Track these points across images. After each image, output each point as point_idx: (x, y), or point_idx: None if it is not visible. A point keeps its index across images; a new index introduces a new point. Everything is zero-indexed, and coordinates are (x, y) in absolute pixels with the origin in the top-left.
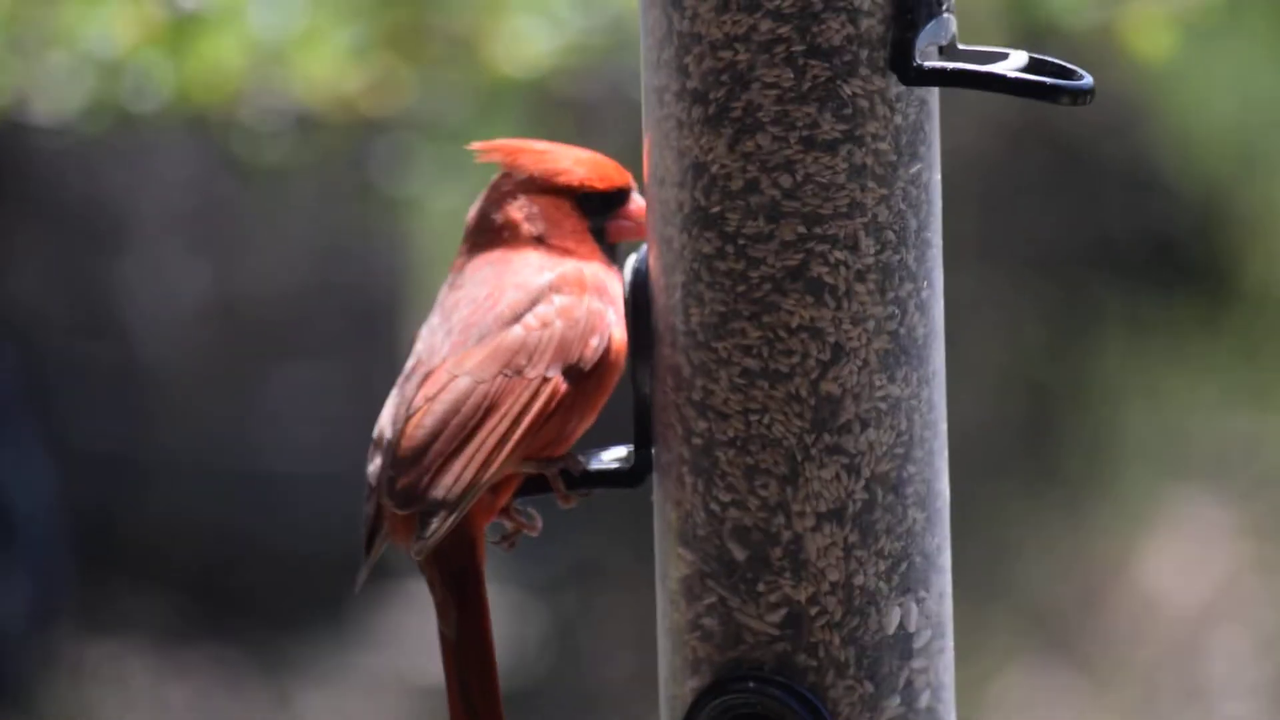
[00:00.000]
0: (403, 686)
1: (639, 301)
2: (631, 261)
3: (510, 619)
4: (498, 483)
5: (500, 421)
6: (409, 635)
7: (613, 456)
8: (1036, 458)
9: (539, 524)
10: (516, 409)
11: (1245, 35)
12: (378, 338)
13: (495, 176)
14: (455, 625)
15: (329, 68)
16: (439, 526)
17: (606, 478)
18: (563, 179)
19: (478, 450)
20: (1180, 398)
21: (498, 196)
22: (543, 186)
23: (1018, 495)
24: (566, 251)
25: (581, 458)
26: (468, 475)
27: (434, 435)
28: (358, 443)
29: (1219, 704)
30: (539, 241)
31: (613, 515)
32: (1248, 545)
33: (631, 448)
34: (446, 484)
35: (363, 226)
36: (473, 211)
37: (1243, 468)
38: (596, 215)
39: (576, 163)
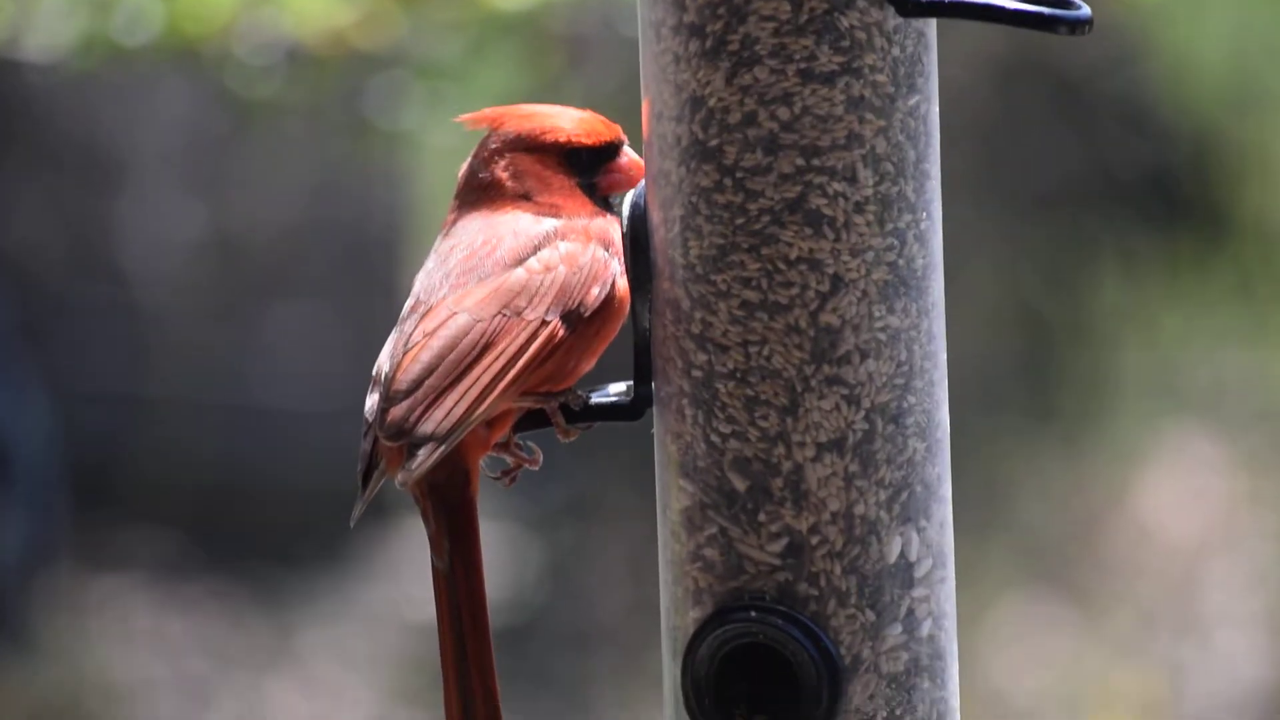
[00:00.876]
0: (402, 621)
1: (638, 236)
2: (630, 196)
3: (508, 554)
4: (494, 417)
5: (495, 360)
6: (409, 570)
7: (613, 391)
8: (1033, 392)
9: (539, 458)
10: (513, 349)
11: None
12: (374, 273)
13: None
14: (448, 557)
15: (320, 2)
16: (425, 459)
17: (606, 411)
18: (548, 136)
19: (471, 387)
20: (1176, 332)
21: (485, 156)
22: (529, 145)
23: (1015, 429)
24: (554, 208)
25: (581, 392)
26: (459, 411)
27: (429, 370)
28: (355, 378)
29: (1213, 635)
30: (525, 199)
31: (610, 450)
32: (1243, 479)
33: (631, 382)
34: (437, 418)
35: (358, 163)
36: (462, 171)
37: (1238, 402)
38: (586, 171)
39: (563, 120)
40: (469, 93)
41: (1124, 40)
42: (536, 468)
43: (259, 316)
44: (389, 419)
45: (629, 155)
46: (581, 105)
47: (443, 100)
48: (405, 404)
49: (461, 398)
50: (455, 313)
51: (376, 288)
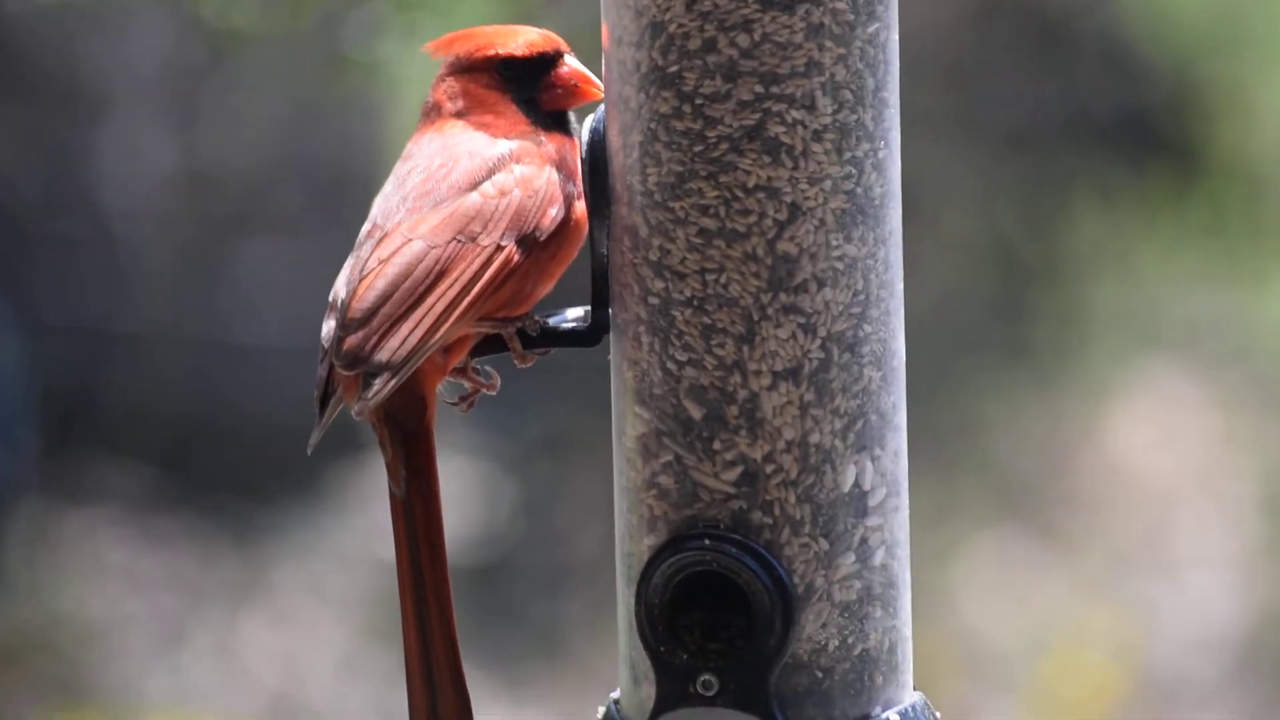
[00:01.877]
0: (375, 557)
1: (596, 162)
2: (589, 122)
3: (480, 491)
4: (450, 343)
5: (450, 287)
6: (382, 506)
7: (570, 317)
8: (1008, 329)
9: (497, 382)
10: (468, 275)
11: None
12: (350, 207)
13: None
14: (405, 485)
15: None
16: (380, 388)
17: (563, 337)
18: (481, 53)
19: (425, 314)
20: (1151, 270)
21: (434, 83)
22: (465, 65)
23: (988, 367)
24: (484, 126)
25: (538, 318)
26: (414, 339)
27: (384, 297)
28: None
29: (1185, 575)
30: (458, 117)
31: (583, 387)
32: (1216, 418)
33: (589, 308)
34: (392, 346)
35: (335, 96)
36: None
37: (1213, 340)
38: (523, 86)
39: (498, 35)
40: (447, 25)
41: None
42: (494, 392)
43: (235, 250)
44: (344, 347)
45: (569, 65)
46: (551, 30)
47: (420, 32)
48: (360, 332)
49: (416, 325)
50: (410, 239)
51: (353, 221)
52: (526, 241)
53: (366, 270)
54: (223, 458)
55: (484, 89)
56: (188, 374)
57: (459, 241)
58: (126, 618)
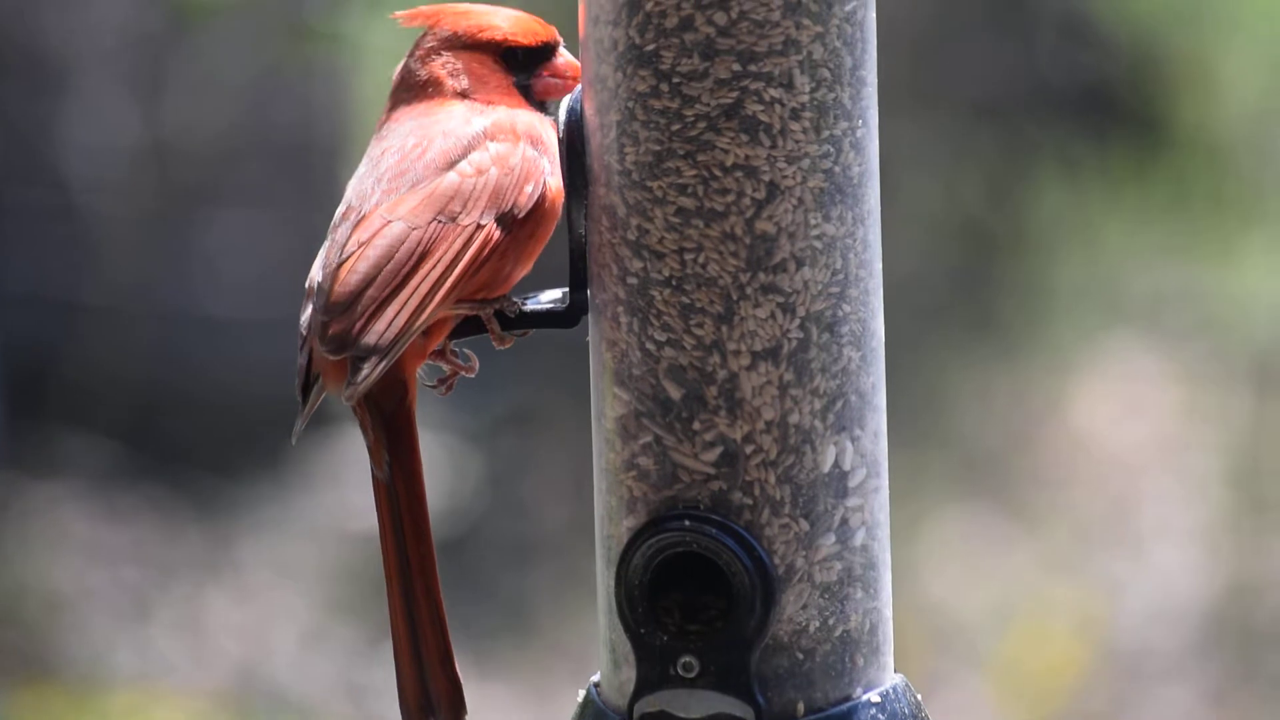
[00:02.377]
0: (342, 531)
1: (574, 142)
2: (566, 101)
3: (447, 466)
4: (430, 326)
5: (434, 268)
6: (349, 480)
7: (548, 298)
8: (972, 303)
9: (475, 365)
10: (450, 255)
11: None
12: (314, 178)
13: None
14: (387, 468)
15: None
16: (369, 372)
17: (542, 318)
18: (486, 34)
19: (411, 296)
20: (1114, 244)
21: (423, 54)
22: (466, 43)
23: (953, 341)
24: (491, 105)
25: (516, 299)
26: (400, 321)
27: (367, 281)
28: (295, 285)
29: (1149, 548)
30: (463, 96)
31: (550, 362)
32: (1180, 391)
33: (567, 289)
34: (379, 330)
35: (298, 66)
36: (398, 70)
37: (1176, 314)
38: (522, 71)
39: (499, 18)
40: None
41: None
42: (473, 375)
43: (199, 222)
44: (330, 333)
45: (565, 57)
46: (526, 8)
47: (382, 2)
48: (345, 317)
49: (402, 308)
50: (389, 220)
51: (317, 192)
52: (505, 219)
53: (346, 254)
54: (188, 431)
55: (487, 70)
56: (152, 345)
57: (439, 222)
58: (91, 591)
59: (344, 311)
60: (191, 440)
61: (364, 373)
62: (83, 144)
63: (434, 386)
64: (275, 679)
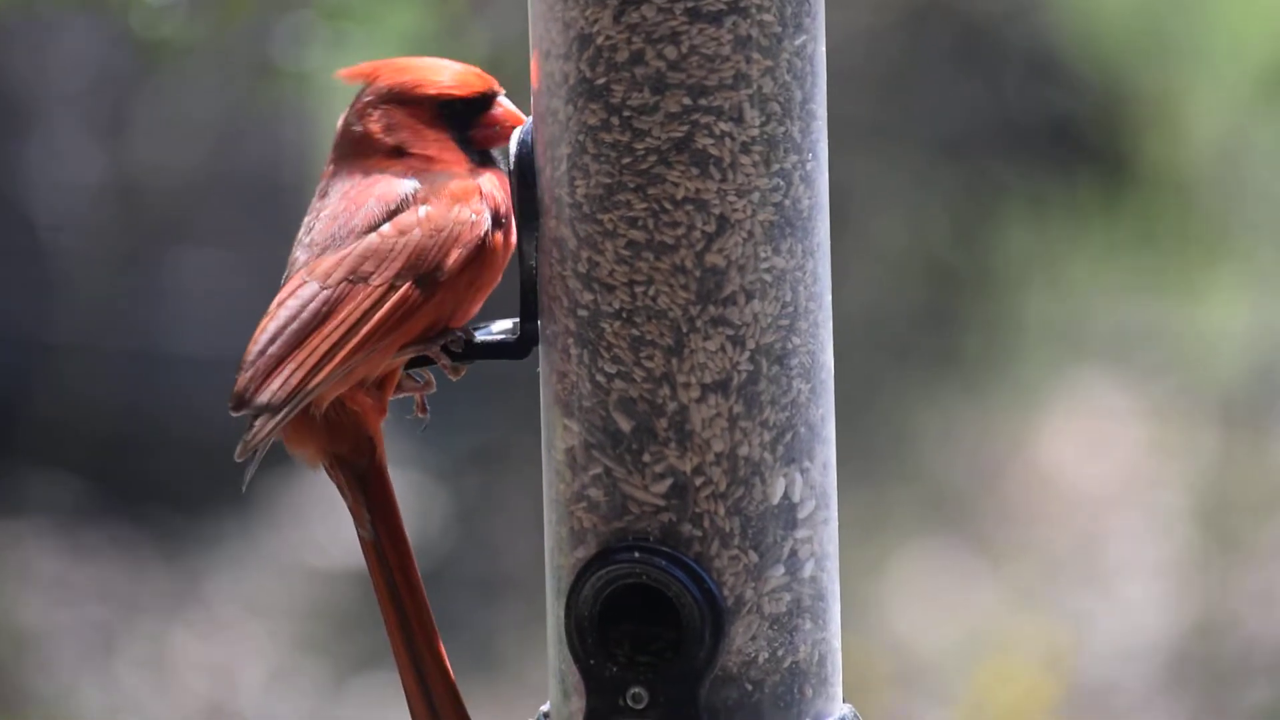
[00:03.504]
0: (308, 568)
1: (524, 175)
2: (517, 134)
3: (413, 504)
4: (382, 378)
5: (337, 327)
6: (314, 518)
7: (499, 329)
8: (938, 339)
9: (431, 379)
10: (355, 315)
11: None
12: (280, 218)
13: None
14: (370, 526)
15: None
16: (259, 429)
17: (492, 349)
18: (421, 89)
19: (308, 355)
20: (1080, 280)
21: (359, 109)
22: (401, 97)
23: (918, 377)
24: (429, 160)
25: (461, 332)
26: (294, 380)
27: (273, 339)
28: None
29: (1117, 584)
30: (398, 152)
31: (515, 399)
32: (1146, 428)
33: (518, 320)
34: (273, 388)
35: (264, 106)
36: (338, 124)
37: (1143, 350)
38: (460, 123)
39: (434, 71)
40: (374, 35)
41: None
42: (433, 389)
43: (164, 261)
44: (235, 390)
45: (503, 106)
46: (486, 49)
47: (348, 42)
48: (247, 375)
49: (298, 366)
50: (305, 281)
51: (284, 232)
52: (426, 281)
53: (266, 314)
54: (154, 468)
55: (424, 125)
56: (117, 384)
57: (349, 281)
58: (57, 629)
59: (247, 369)
60: (157, 477)
61: (255, 429)
62: (49, 182)
63: (411, 419)
64: (243, 716)
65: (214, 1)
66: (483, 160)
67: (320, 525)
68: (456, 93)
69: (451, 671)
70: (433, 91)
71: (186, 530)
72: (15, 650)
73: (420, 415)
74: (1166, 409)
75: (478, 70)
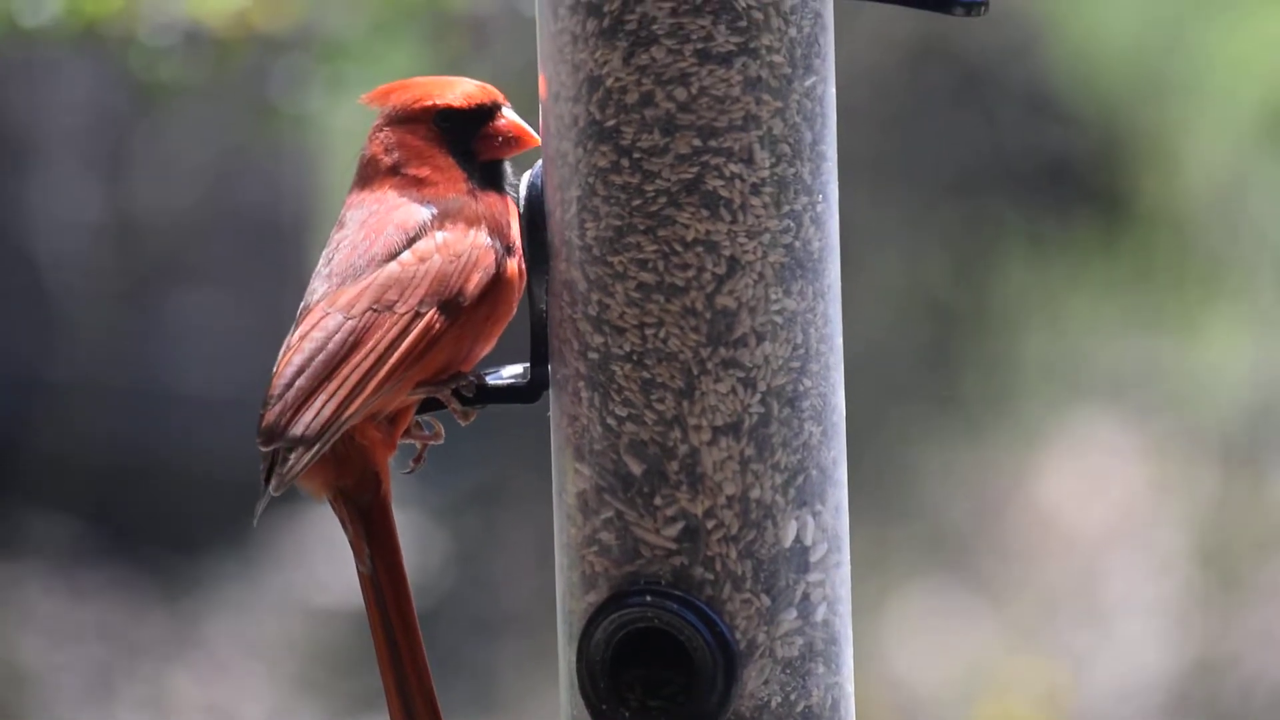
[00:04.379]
0: (308, 609)
1: (534, 217)
2: (527, 177)
3: (413, 542)
4: (394, 414)
5: (365, 357)
6: (315, 558)
7: (509, 373)
8: (937, 378)
9: (440, 431)
10: (384, 344)
11: None
12: (279, 257)
13: None
14: (370, 561)
15: None
16: (295, 463)
17: (503, 394)
18: (419, 104)
19: (340, 386)
20: (1079, 319)
21: (370, 133)
22: (402, 116)
23: (918, 416)
24: (420, 179)
25: (473, 377)
26: (328, 411)
27: (299, 371)
28: (260, 363)
29: (1116, 624)
30: (394, 171)
31: (516, 438)
32: (1146, 466)
33: (528, 364)
34: (306, 420)
35: (262, 146)
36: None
37: (1141, 389)
38: (460, 136)
39: (437, 86)
40: (372, 75)
41: (1028, 27)
42: (440, 442)
43: (163, 300)
44: (262, 424)
45: (507, 117)
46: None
47: (345, 83)
48: (276, 408)
49: (331, 397)
50: (328, 313)
51: (283, 271)
52: (449, 307)
53: (288, 347)
54: (153, 508)
55: (421, 140)
56: (116, 424)
57: (374, 311)
58: (57, 670)
59: (276, 402)
60: (157, 518)
61: (290, 463)
62: (48, 221)
63: (408, 471)
64: None
65: (211, 42)
66: (485, 178)
67: (322, 565)
68: (454, 104)
69: (441, 714)
70: (429, 104)
71: (186, 570)
72: (15, 691)
73: (415, 466)
74: (1166, 448)
75: (483, 84)
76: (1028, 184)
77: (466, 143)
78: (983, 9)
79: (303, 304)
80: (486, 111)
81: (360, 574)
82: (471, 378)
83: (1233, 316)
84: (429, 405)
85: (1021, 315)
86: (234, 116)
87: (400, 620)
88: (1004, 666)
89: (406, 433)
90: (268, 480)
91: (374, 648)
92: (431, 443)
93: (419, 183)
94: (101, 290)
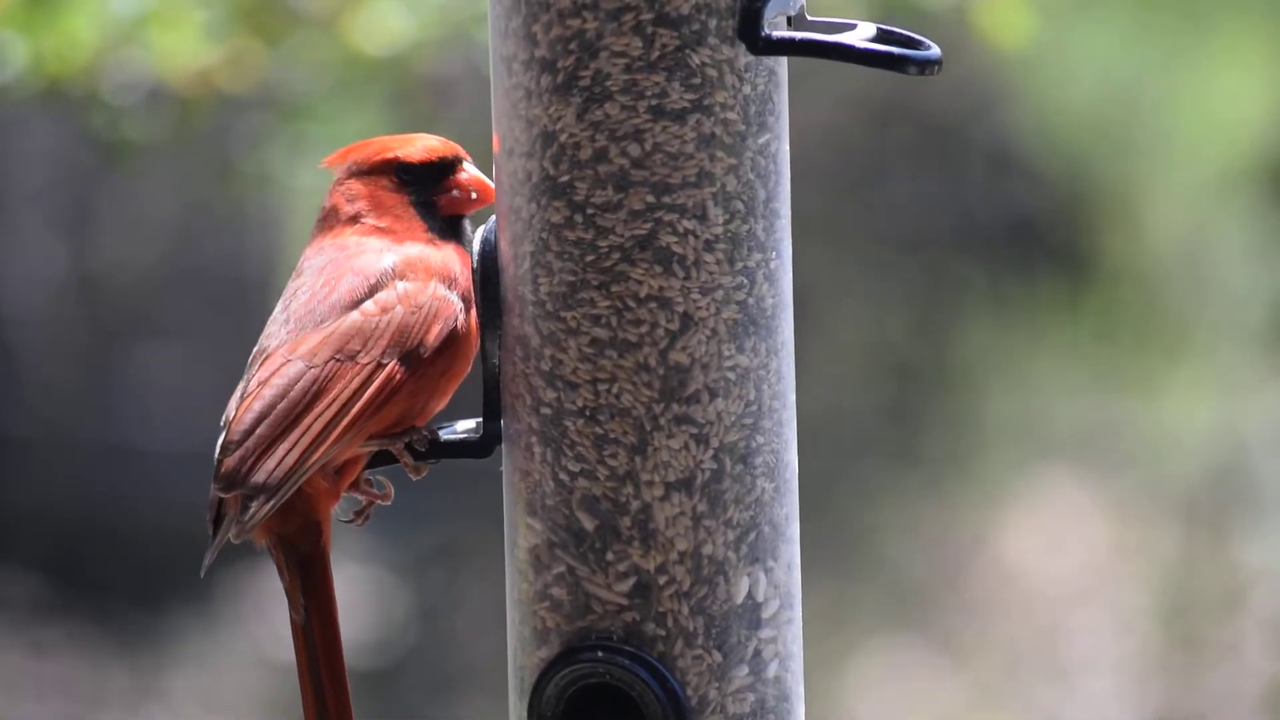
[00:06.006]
0: (268, 663)
1: (487, 272)
2: (480, 232)
3: (375, 597)
4: (342, 465)
5: (328, 407)
6: (275, 612)
7: (463, 428)
8: (900, 437)
9: (390, 491)
10: (346, 394)
11: (1103, 17)
12: (240, 313)
13: None
14: (304, 611)
15: (186, 42)
16: (256, 510)
17: (455, 449)
18: (380, 156)
19: (303, 435)
20: (1041, 378)
21: (331, 187)
22: (364, 168)
23: (881, 474)
24: (380, 230)
25: (426, 431)
26: (290, 460)
27: (260, 418)
28: (220, 419)
29: (1078, 681)
30: (355, 220)
31: (479, 494)
32: (1108, 525)
33: (480, 419)
34: (268, 468)
35: (224, 204)
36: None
37: (1103, 448)
38: (422, 189)
39: (397, 141)
40: (334, 135)
41: (990, 86)
42: (388, 502)
43: (127, 356)
44: (222, 470)
45: (469, 171)
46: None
47: (308, 142)
48: (237, 454)
49: (293, 446)
50: (289, 360)
51: (244, 328)
52: (410, 358)
53: (247, 393)
54: (114, 564)
55: (382, 191)
56: (78, 479)
57: (337, 360)
58: None
59: (236, 448)
60: (117, 574)
61: (252, 511)
62: (12, 277)
63: (350, 520)
64: None
65: (174, 101)
66: (445, 229)
67: (281, 620)
68: (416, 158)
69: None
70: (389, 157)
71: (147, 626)
72: None
73: (359, 524)
74: (1127, 507)
75: (444, 139)
76: (990, 242)
77: (428, 196)
78: (936, 68)
79: (257, 348)
80: (448, 165)
81: (293, 622)
82: (425, 432)
83: (1194, 377)
84: (382, 459)
85: (984, 373)
86: (197, 175)
87: (329, 671)
88: None
89: (356, 486)
90: (215, 528)
91: (300, 695)
92: (380, 502)
93: (380, 231)
94: (64, 345)
